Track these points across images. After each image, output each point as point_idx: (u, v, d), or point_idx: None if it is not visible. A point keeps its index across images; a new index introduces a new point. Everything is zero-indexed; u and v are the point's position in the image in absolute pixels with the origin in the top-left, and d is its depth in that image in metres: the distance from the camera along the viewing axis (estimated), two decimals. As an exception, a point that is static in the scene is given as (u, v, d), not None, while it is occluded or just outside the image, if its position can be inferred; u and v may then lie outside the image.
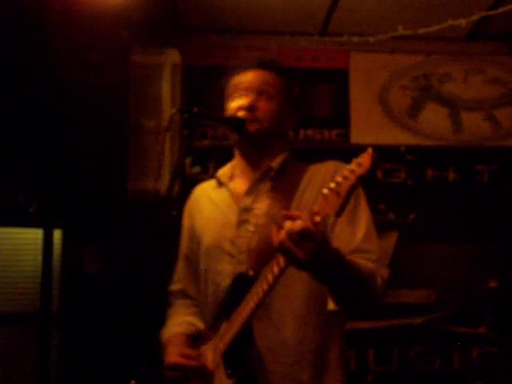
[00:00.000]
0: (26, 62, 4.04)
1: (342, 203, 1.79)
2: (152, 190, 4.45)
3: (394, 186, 5.41)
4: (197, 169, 5.09)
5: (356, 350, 5.15)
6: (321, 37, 5.54)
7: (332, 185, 1.81)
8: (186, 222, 2.72)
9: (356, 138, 5.50)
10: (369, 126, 5.53)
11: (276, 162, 2.48)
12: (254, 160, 2.52)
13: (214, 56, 5.33)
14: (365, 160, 1.76)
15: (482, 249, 5.41)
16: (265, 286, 2.09)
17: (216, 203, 2.56)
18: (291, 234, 1.87)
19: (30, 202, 4.15)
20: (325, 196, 1.82)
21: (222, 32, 5.46)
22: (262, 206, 2.42)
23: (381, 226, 5.17)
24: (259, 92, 2.46)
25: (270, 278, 2.06)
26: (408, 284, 5.18)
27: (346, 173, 1.78)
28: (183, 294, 2.73)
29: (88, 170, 4.35)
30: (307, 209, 2.24)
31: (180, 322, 2.66)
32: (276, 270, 2.03)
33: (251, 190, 2.47)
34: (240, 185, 2.52)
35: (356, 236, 2.28)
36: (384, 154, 5.49)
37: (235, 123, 2.43)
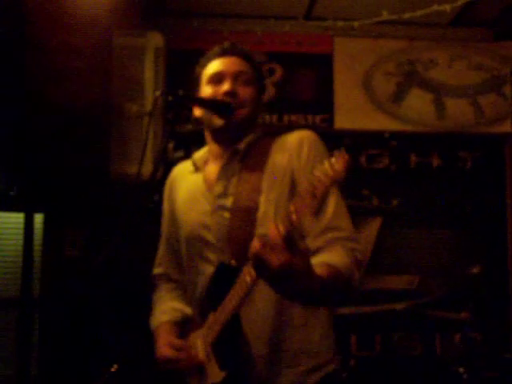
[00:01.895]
0: (7, 44, 3.99)
1: (317, 205, 1.77)
2: (134, 174, 4.43)
3: (377, 171, 5.42)
4: (180, 153, 5.07)
5: (338, 335, 5.15)
6: (305, 21, 5.52)
7: (307, 186, 1.79)
8: (165, 205, 2.71)
9: (340, 123, 5.49)
10: (353, 112, 5.52)
11: (242, 144, 2.46)
12: (225, 143, 2.49)
13: (197, 40, 5.30)
14: (338, 164, 1.75)
15: (465, 234, 5.43)
16: (248, 282, 2.06)
17: (191, 190, 2.54)
18: (266, 244, 1.81)
19: (10, 186, 4.11)
20: (300, 196, 1.80)
21: (206, 16, 5.43)
22: (234, 189, 2.40)
23: (364, 212, 5.20)
24: (235, 77, 2.45)
25: (254, 275, 2.03)
26: (391, 270, 5.20)
27: (320, 175, 1.76)
28: (166, 278, 2.73)
29: (70, 153, 4.32)
30: (278, 181, 2.29)
31: (165, 308, 2.65)
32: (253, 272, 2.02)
33: (221, 175, 2.45)
34: (212, 171, 2.50)
35: (326, 214, 2.25)
36: (368, 139, 5.50)
37: (222, 107, 2.40)
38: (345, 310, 4.49)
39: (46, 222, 4.55)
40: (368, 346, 5.21)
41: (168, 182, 2.71)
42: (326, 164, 1.76)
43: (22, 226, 4.37)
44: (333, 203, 2.28)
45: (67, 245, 4.54)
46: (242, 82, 2.45)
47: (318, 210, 1.78)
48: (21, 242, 4.38)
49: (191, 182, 2.56)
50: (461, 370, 4.07)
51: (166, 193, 2.70)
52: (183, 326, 2.57)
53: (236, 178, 2.42)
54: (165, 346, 2.47)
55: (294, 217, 1.80)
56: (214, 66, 2.49)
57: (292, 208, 1.82)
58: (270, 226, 1.85)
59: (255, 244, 1.82)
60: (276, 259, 1.79)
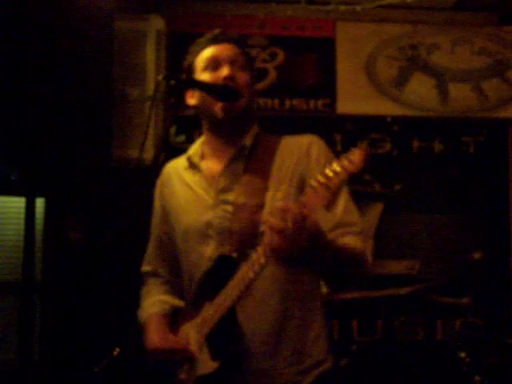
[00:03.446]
0: (8, 29, 3.98)
1: (331, 198, 1.80)
2: (136, 159, 4.42)
3: (379, 156, 5.40)
4: (181, 138, 5.06)
5: (340, 321, 5.17)
6: (307, 5, 5.48)
7: (321, 178, 1.80)
8: (157, 202, 2.67)
9: (342, 107, 5.47)
10: (355, 96, 5.50)
11: (248, 140, 2.45)
12: (226, 137, 2.47)
13: (199, 23, 5.28)
14: (357, 158, 1.77)
15: (467, 220, 5.42)
16: (251, 275, 2.09)
17: (189, 185, 2.51)
18: (282, 230, 1.87)
19: (12, 170, 4.11)
20: (314, 188, 1.82)
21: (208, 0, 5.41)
22: (239, 185, 2.39)
23: (366, 197, 5.20)
24: (232, 62, 2.42)
25: (256, 268, 2.06)
26: (393, 255, 5.20)
27: (337, 168, 1.78)
28: (154, 274, 2.71)
29: (72, 138, 4.31)
30: (286, 182, 2.31)
31: (154, 301, 2.64)
32: (263, 260, 2.03)
33: (225, 171, 2.43)
34: (213, 165, 2.47)
35: (337, 209, 2.27)
36: (370, 124, 5.48)
37: (224, 91, 2.37)
38: (347, 295, 4.50)
39: (48, 207, 4.54)
40: (370, 330, 5.21)
41: (160, 180, 2.66)
42: (343, 157, 1.78)
43: (23, 210, 4.37)
44: (343, 199, 2.30)
45: (69, 229, 4.53)
46: (239, 67, 2.44)
47: (331, 203, 1.79)
48: (22, 227, 4.38)
49: (188, 177, 2.53)
50: (462, 355, 4.08)
51: (158, 191, 2.66)
52: (173, 318, 2.56)
53: (241, 174, 2.41)
54: (156, 337, 2.46)
55: (306, 211, 1.84)
56: (208, 53, 2.45)
57: (304, 199, 1.84)
58: (274, 216, 1.88)
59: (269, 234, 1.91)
60: (288, 246, 1.88)
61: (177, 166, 2.62)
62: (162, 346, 2.41)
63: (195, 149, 2.56)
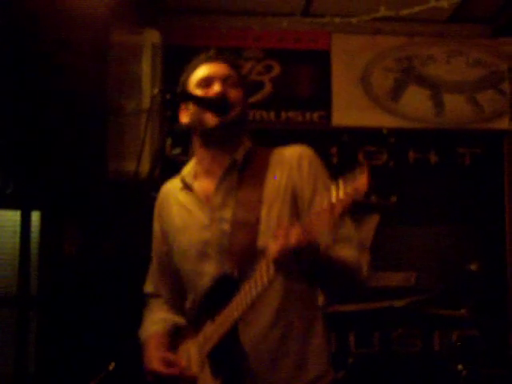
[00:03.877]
0: (3, 41, 3.98)
1: (335, 223, 1.82)
2: (132, 171, 4.41)
3: (375, 168, 5.41)
4: (177, 150, 5.06)
5: (337, 333, 5.16)
6: (303, 18, 5.50)
7: (325, 204, 1.81)
8: (156, 224, 2.68)
9: (338, 120, 5.48)
10: (351, 108, 5.51)
11: (239, 154, 2.45)
12: (217, 151, 2.47)
13: (195, 37, 5.29)
14: (361, 185, 1.77)
15: (463, 231, 5.43)
16: (253, 293, 2.10)
17: (184, 205, 2.52)
18: (286, 249, 1.90)
19: (7, 184, 4.10)
20: (317, 213, 1.85)
21: (203, 12, 5.42)
22: (234, 201, 2.40)
23: (362, 209, 5.19)
24: (224, 80, 2.45)
25: (260, 286, 2.07)
26: (389, 267, 5.19)
27: (341, 195, 1.78)
28: (156, 296, 2.72)
29: (67, 151, 4.30)
30: (280, 198, 2.34)
31: (156, 319, 2.64)
32: (265, 279, 2.04)
33: (219, 188, 2.43)
34: (206, 184, 2.48)
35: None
36: (366, 136, 5.49)
37: (218, 104, 2.39)
38: (343, 308, 4.48)
39: (43, 220, 4.53)
40: (367, 343, 5.21)
41: (158, 201, 2.67)
42: (347, 184, 1.79)
43: (19, 223, 4.36)
44: None
45: (64, 242, 4.52)
46: (231, 85, 2.46)
47: (334, 228, 1.82)
48: (18, 240, 4.37)
49: (182, 198, 2.53)
50: (459, 367, 4.06)
51: (156, 212, 2.67)
52: (174, 336, 2.56)
53: (235, 190, 2.41)
54: (155, 360, 2.45)
55: (308, 233, 1.87)
56: (201, 72, 2.49)
57: (307, 223, 1.88)
58: (277, 237, 1.93)
59: (273, 249, 1.95)
60: (293, 263, 1.94)
61: (172, 187, 2.62)
62: (162, 371, 2.40)
63: (188, 169, 2.57)
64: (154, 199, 2.68)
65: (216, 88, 2.42)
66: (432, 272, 5.30)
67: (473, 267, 4.94)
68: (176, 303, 2.64)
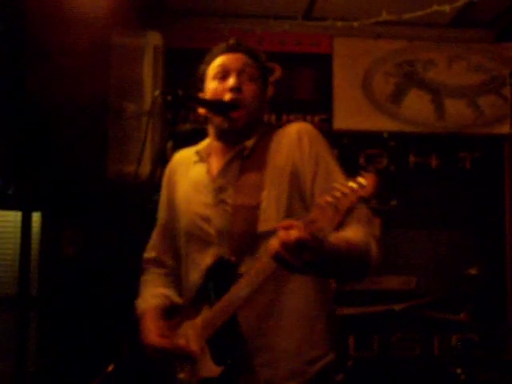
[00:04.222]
0: (5, 43, 3.98)
1: (339, 219, 1.80)
2: (132, 174, 4.42)
3: (376, 172, 5.39)
4: (178, 152, 5.07)
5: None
6: (305, 21, 5.51)
7: (329, 198, 1.80)
8: (164, 191, 2.69)
9: (339, 123, 5.49)
10: (352, 112, 5.52)
11: (250, 142, 2.46)
12: (230, 141, 2.49)
13: (196, 39, 5.30)
14: (369, 184, 1.79)
15: (464, 235, 5.43)
16: (255, 285, 2.10)
17: (193, 181, 2.54)
18: (287, 245, 1.86)
19: (8, 184, 4.10)
20: (321, 207, 1.82)
21: (205, 15, 5.43)
22: (235, 186, 2.41)
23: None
24: (240, 72, 2.45)
25: (261, 277, 2.07)
26: (389, 270, 5.19)
27: (345, 190, 1.78)
28: (157, 262, 2.71)
29: (68, 153, 4.30)
30: (279, 178, 2.32)
31: (155, 293, 2.64)
32: (268, 271, 2.05)
33: (224, 170, 2.45)
34: (215, 164, 2.50)
35: None
36: (366, 139, 5.49)
37: (220, 107, 2.40)
38: (343, 311, 4.48)
39: (44, 221, 4.53)
40: (366, 346, 5.21)
41: (168, 168, 2.69)
42: (354, 181, 1.79)
43: (19, 224, 4.36)
44: None
45: (65, 243, 4.53)
46: (247, 78, 2.46)
47: (340, 224, 1.79)
48: (18, 241, 4.37)
49: (195, 171, 2.55)
50: (458, 371, 4.06)
51: (166, 179, 2.68)
52: (171, 314, 2.55)
53: (237, 175, 2.42)
54: (155, 333, 2.45)
55: (313, 229, 1.83)
56: (218, 62, 2.49)
57: (311, 218, 1.84)
58: (280, 230, 1.88)
59: (273, 245, 1.90)
60: (295, 259, 1.86)
61: (185, 158, 2.65)
62: (161, 343, 2.40)
63: (204, 145, 2.60)
64: (154, 202, 2.69)
65: (230, 82, 2.42)
66: (432, 276, 5.30)
67: (473, 271, 4.94)
68: (177, 273, 2.63)
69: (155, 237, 2.74)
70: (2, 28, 3.91)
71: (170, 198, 2.64)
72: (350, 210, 1.80)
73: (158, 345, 2.41)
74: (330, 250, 1.97)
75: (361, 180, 1.79)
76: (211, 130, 2.56)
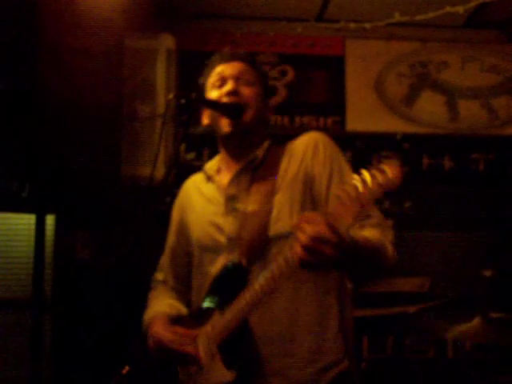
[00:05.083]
0: (19, 46, 4.00)
1: (361, 211, 1.79)
2: (146, 176, 4.43)
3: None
4: (191, 155, 5.07)
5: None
6: (317, 23, 5.51)
7: (351, 190, 1.79)
8: (175, 215, 2.73)
9: (352, 125, 5.48)
10: (364, 114, 5.51)
11: (260, 151, 2.48)
12: (236, 152, 2.51)
13: (209, 41, 5.30)
14: (395, 176, 1.75)
15: (477, 237, 5.41)
16: (265, 289, 2.10)
17: (206, 196, 2.57)
18: (307, 246, 1.85)
19: (22, 187, 4.12)
20: (340, 199, 1.81)
21: (218, 18, 5.43)
22: (247, 195, 2.43)
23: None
24: (237, 78, 2.48)
25: (272, 282, 2.07)
26: (403, 272, 5.17)
27: (370, 183, 1.76)
28: (164, 283, 2.75)
29: (82, 155, 4.32)
30: (291, 180, 2.34)
31: (163, 304, 2.66)
32: (278, 274, 2.04)
33: (235, 180, 2.48)
34: (225, 177, 2.53)
35: None
36: (380, 141, 5.48)
37: (233, 108, 2.42)
38: (356, 313, 4.48)
39: (58, 224, 4.55)
40: (380, 348, 5.19)
41: (180, 193, 2.74)
42: (379, 174, 1.76)
43: (33, 227, 4.38)
44: None
45: (79, 246, 4.54)
46: (244, 83, 2.49)
47: (360, 217, 1.76)
48: (32, 244, 4.39)
49: (205, 189, 2.59)
50: (472, 373, 4.05)
51: (177, 204, 2.73)
52: (178, 323, 2.54)
53: (249, 185, 2.44)
54: (164, 330, 2.46)
55: (333, 222, 1.82)
56: (216, 71, 2.53)
57: (330, 211, 1.84)
58: (297, 232, 1.87)
59: (296, 252, 1.88)
60: (317, 258, 1.85)
61: (195, 181, 2.69)
62: (171, 338, 2.40)
63: (211, 164, 2.63)
64: (168, 204, 2.70)
65: (227, 87, 2.46)
66: (446, 278, 5.28)
67: (487, 273, 4.92)
68: (182, 292, 2.67)
69: (164, 260, 2.79)
70: (14, 32, 3.93)
71: (181, 223, 2.68)
72: (372, 202, 1.78)
73: (168, 346, 2.40)
74: (350, 244, 1.96)
75: (387, 173, 1.75)
76: (218, 141, 2.58)
